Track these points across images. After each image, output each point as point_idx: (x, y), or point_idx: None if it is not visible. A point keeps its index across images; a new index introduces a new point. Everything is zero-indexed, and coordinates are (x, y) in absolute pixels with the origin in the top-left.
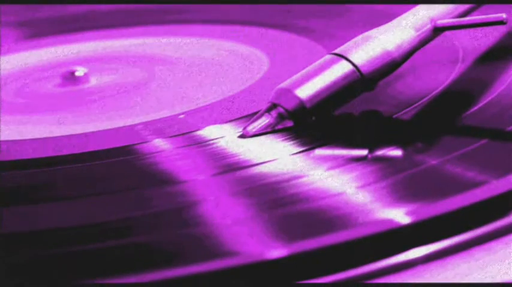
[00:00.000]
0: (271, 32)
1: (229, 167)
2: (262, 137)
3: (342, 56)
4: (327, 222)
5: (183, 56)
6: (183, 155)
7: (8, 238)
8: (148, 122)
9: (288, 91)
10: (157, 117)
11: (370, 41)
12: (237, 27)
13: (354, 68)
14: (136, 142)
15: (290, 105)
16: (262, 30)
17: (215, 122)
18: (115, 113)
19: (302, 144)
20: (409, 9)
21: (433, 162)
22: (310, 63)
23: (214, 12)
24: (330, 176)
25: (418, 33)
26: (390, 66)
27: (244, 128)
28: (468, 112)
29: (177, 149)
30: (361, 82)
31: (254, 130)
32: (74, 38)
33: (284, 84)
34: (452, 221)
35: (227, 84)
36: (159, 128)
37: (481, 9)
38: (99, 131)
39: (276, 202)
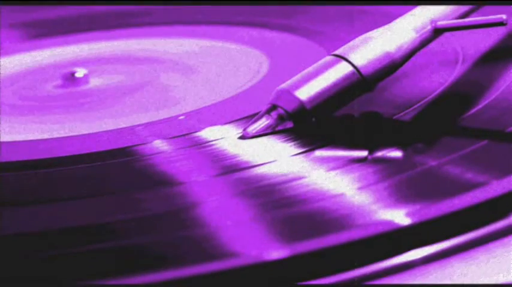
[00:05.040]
0: (272, 33)
1: (229, 169)
2: (262, 139)
3: (342, 57)
4: (327, 223)
5: (183, 57)
6: (183, 157)
7: (7, 238)
8: (148, 123)
9: (288, 92)
10: (157, 118)
11: (370, 42)
12: (237, 29)
13: (354, 70)
14: (136, 143)
15: (290, 106)
16: (263, 31)
17: (215, 123)
18: (115, 114)
19: (302, 145)
20: (409, 10)
21: (433, 163)
22: (311, 65)
23: (214, 13)
24: (330, 177)
25: (418, 34)
26: (390, 67)
27: (244, 130)
28: (468, 113)
29: (177, 150)
30: (361, 83)
31: (254, 131)
32: (74, 39)
33: (284, 85)
34: (452, 223)
35: (227, 86)
36: (159, 129)
37: (481, 10)
38: (98, 132)
39: (276, 203)
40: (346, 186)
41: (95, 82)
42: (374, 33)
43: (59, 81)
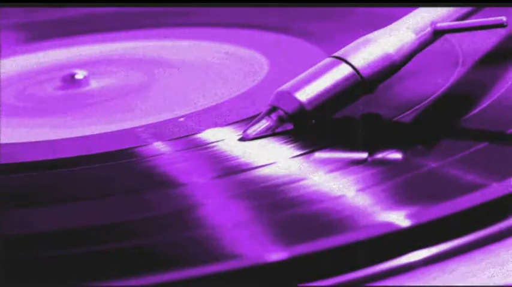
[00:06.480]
0: (271, 35)
1: (229, 170)
2: (262, 140)
3: (342, 59)
4: (327, 225)
5: (183, 59)
6: (183, 158)
7: (8, 240)
8: (148, 125)
9: (288, 94)
10: (157, 120)
11: (370, 44)
12: (237, 30)
13: (354, 71)
14: (136, 145)
15: (290, 108)
16: (262, 33)
17: (215, 125)
18: (115, 116)
19: (302, 147)
20: (409, 12)
21: (433, 165)
22: (310, 66)
23: (213, 15)
24: (330, 179)
25: (418, 36)
26: (390, 69)
27: (244, 131)
28: (468, 115)
29: (177, 152)
30: (361, 85)
31: (254, 133)
32: (74, 41)
33: (284, 87)
34: (452, 224)
35: (227, 87)
36: (159, 131)
37: (481, 12)
38: (99, 134)
39: (276, 204)
40: (346, 188)
41: (95, 84)
42: (374, 34)
43: (59, 83)
